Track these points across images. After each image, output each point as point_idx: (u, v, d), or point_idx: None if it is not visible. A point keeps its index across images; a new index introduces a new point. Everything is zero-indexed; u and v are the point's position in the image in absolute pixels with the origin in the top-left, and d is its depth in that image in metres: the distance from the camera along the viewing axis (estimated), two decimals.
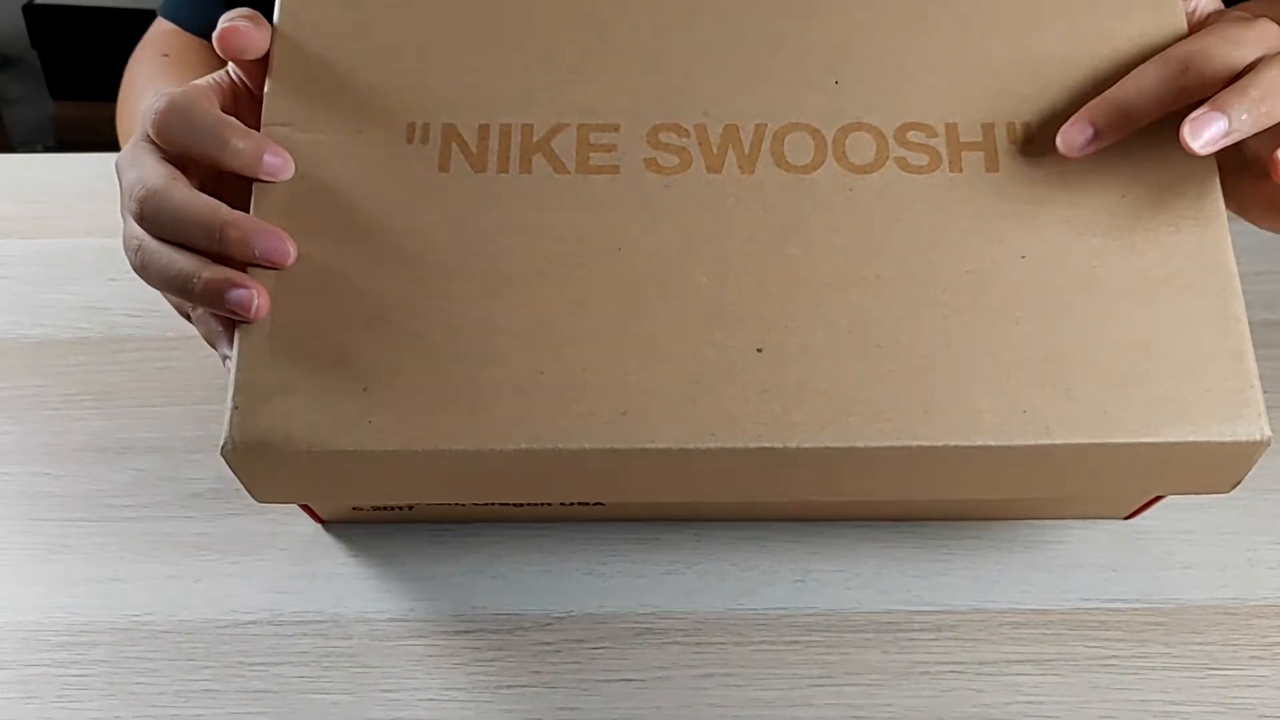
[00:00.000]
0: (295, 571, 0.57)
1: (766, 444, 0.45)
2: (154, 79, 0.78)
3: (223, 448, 0.46)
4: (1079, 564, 0.57)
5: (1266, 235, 0.76)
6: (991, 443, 0.45)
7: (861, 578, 0.56)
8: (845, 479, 0.47)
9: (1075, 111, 0.49)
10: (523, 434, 0.45)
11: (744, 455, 0.45)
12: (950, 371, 0.46)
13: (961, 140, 0.49)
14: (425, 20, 0.52)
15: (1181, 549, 0.57)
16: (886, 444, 0.45)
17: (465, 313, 0.47)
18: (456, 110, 0.50)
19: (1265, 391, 0.65)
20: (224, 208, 0.47)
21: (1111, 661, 0.52)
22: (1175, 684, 0.52)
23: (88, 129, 2.12)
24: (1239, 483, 0.49)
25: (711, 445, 0.45)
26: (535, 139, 0.50)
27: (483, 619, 0.55)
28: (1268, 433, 0.45)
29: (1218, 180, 0.49)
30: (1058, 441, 0.45)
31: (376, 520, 0.57)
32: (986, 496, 0.50)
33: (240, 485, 0.60)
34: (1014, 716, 0.51)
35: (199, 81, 0.52)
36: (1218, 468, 0.47)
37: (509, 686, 0.52)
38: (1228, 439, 0.45)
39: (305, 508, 0.56)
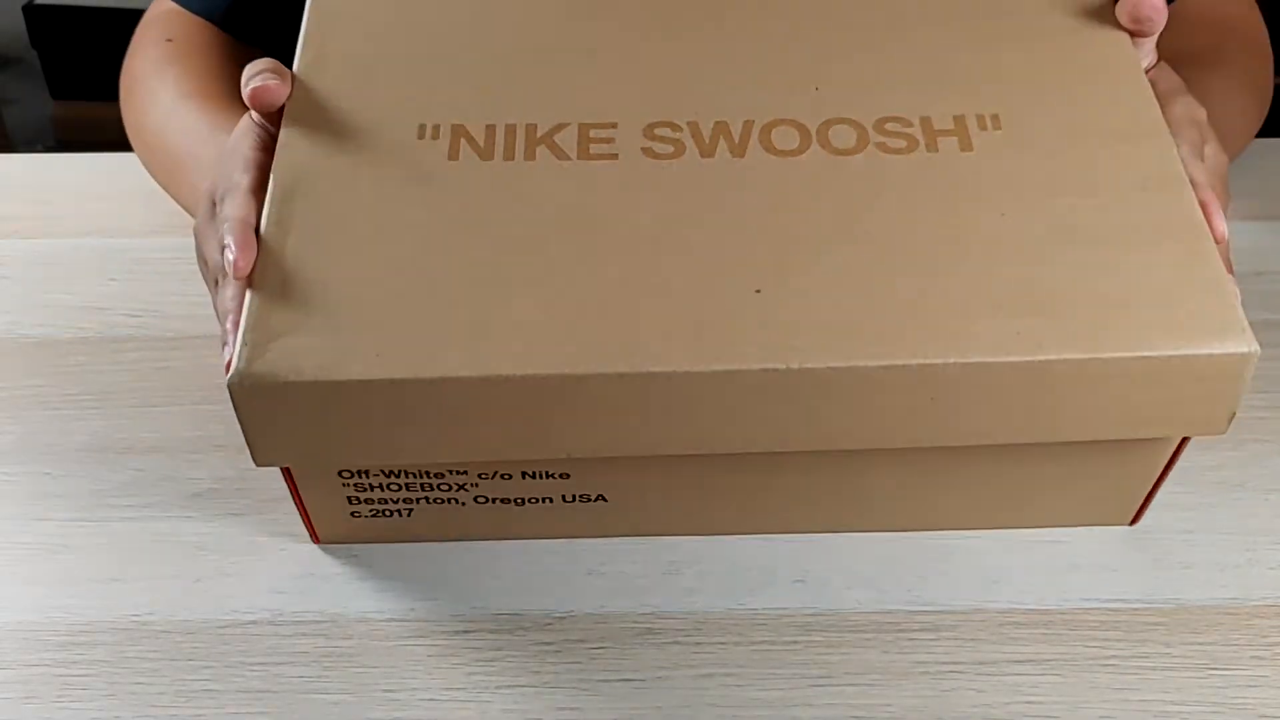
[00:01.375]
0: (295, 571, 0.57)
1: (769, 365, 0.47)
2: (160, 68, 0.76)
3: (229, 381, 0.47)
4: (1079, 564, 0.57)
5: (1267, 236, 0.76)
6: (988, 359, 0.47)
7: (861, 578, 0.56)
8: (848, 412, 0.48)
9: (1039, 109, 0.54)
10: (529, 361, 0.47)
11: (746, 379, 0.47)
12: (944, 304, 0.48)
13: (936, 128, 0.53)
14: (434, 45, 0.57)
15: (1181, 549, 0.57)
16: (887, 362, 0.47)
17: (476, 266, 0.49)
18: (465, 114, 0.54)
19: (1264, 392, 0.66)
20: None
21: (1111, 661, 0.52)
22: (1175, 684, 0.52)
23: (88, 129, 2.12)
24: (1233, 416, 0.50)
25: (715, 368, 0.47)
26: (539, 135, 0.53)
27: (483, 619, 0.55)
28: (1255, 347, 0.47)
29: (1175, 147, 0.53)
30: (1051, 357, 0.47)
31: (373, 540, 0.57)
32: (983, 435, 0.50)
33: (239, 486, 0.61)
34: (1014, 716, 0.51)
35: (240, 154, 0.55)
36: (1210, 393, 0.48)
37: (509, 686, 0.52)
38: (1217, 352, 0.47)
39: (305, 518, 0.56)
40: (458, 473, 0.54)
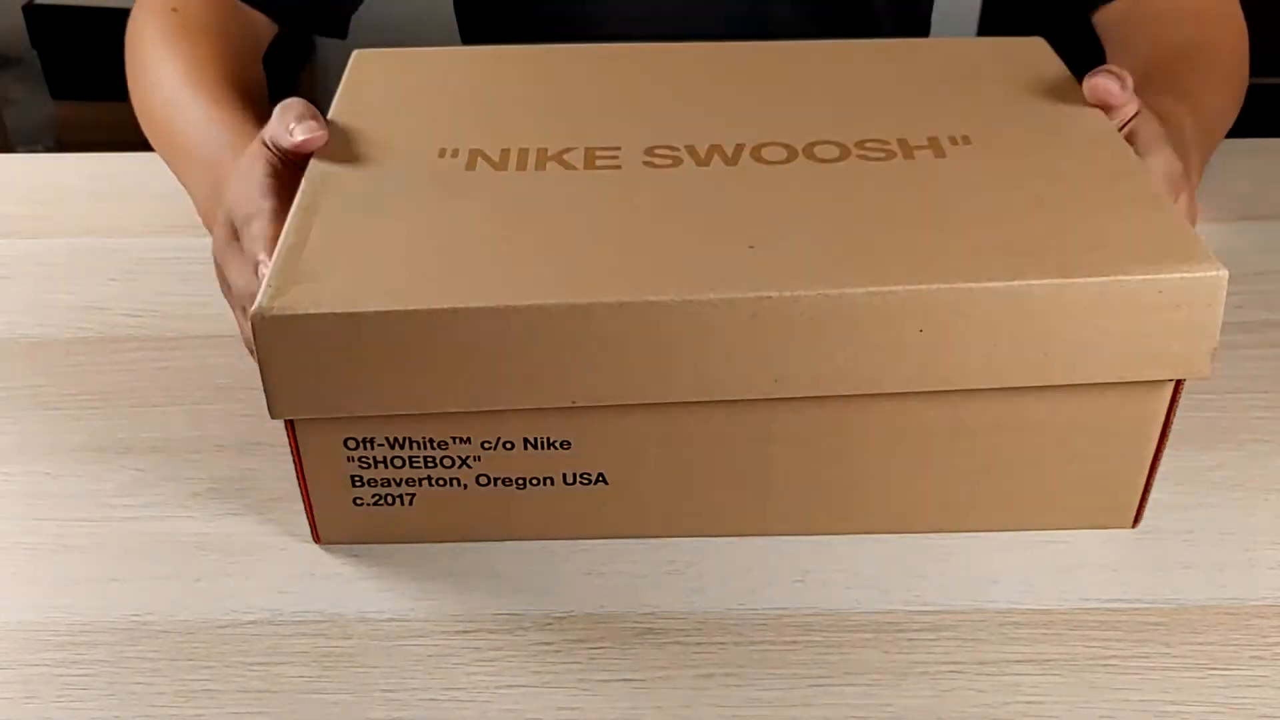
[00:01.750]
0: (295, 571, 0.57)
1: (764, 293, 0.49)
2: (165, 41, 0.76)
3: (253, 316, 0.49)
4: (1079, 564, 0.57)
5: (1266, 236, 0.76)
6: (971, 284, 0.50)
7: (861, 578, 0.56)
8: (840, 347, 0.51)
9: (1006, 130, 0.60)
10: (536, 294, 0.50)
11: (741, 308, 0.49)
12: (929, 249, 0.52)
13: (911, 144, 0.59)
14: (456, 96, 0.65)
15: (1181, 549, 0.57)
16: (875, 289, 0.49)
17: (488, 235, 0.53)
18: (481, 141, 0.60)
19: (1265, 392, 0.66)
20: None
21: (1111, 661, 0.53)
22: (1175, 684, 0.52)
23: (88, 129, 2.12)
24: (1214, 354, 0.51)
25: (711, 297, 0.49)
26: (549, 155, 0.59)
27: (483, 619, 0.55)
28: (1224, 271, 0.50)
29: (1121, 137, 0.59)
30: (1031, 281, 0.50)
31: (374, 539, 0.58)
32: (971, 376, 0.52)
33: (240, 486, 0.61)
34: (1014, 716, 0.51)
35: (254, 184, 0.58)
36: (1187, 325, 0.51)
37: (509, 686, 0.52)
38: (1187, 275, 0.50)
39: (308, 507, 0.56)
40: (461, 441, 0.54)
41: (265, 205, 0.57)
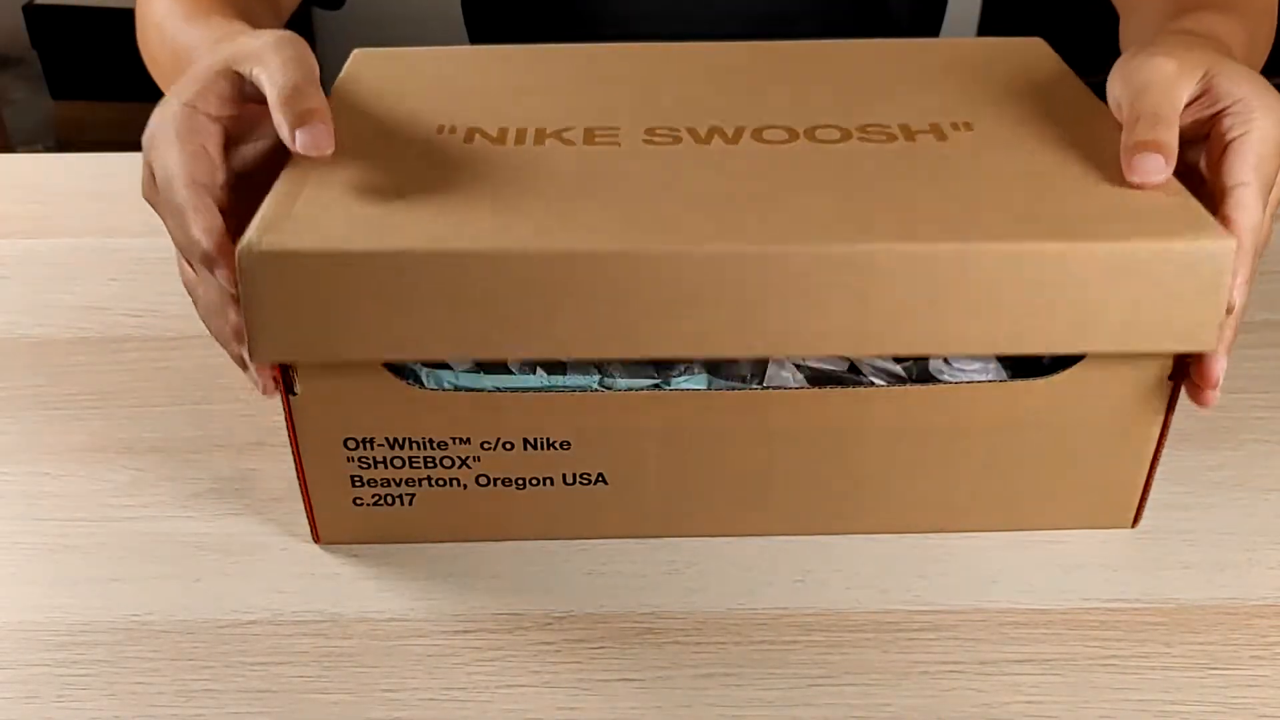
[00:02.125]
0: (295, 571, 0.57)
1: (767, 247, 0.49)
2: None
3: (239, 253, 0.48)
4: (1079, 564, 0.57)
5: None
6: (975, 245, 0.49)
7: (861, 578, 0.56)
8: (847, 304, 0.50)
9: (1008, 119, 0.59)
10: (530, 238, 0.49)
11: (746, 263, 0.49)
12: (937, 212, 0.51)
13: (913, 129, 0.58)
14: (455, 82, 0.64)
15: (1181, 549, 0.57)
16: (877, 246, 0.49)
17: (484, 196, 0.52)
18: (480, 119, 0.59)
19: (1265, 392, 0.66)
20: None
21: (1111, 661, 0.52)
22: (1175, 684, 0.52)
23: (88, 129, 2.12)
24: (1220, 327, 0.50)
25: (710, 249, 0.49)
26: (548, 133, 0.58)
27: (483, 619, 0.55)
28: (1232, 240, 0.49)
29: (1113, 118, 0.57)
30: (1036, 244, 0.49)
31: (374, 539, 0.58)
32: (978, 339, 0.51)
33: (239, 486, 0.61)
34: (1014, 716, 0.51)
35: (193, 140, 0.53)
36: (1194, 293, 0.50)
37: (509, 686, 0.52)
38: (1195, 243, 0.49)
39: (308, 508, 0.56)
40: (461, 441, 0.54)
41: (182, 154, 0.52)
